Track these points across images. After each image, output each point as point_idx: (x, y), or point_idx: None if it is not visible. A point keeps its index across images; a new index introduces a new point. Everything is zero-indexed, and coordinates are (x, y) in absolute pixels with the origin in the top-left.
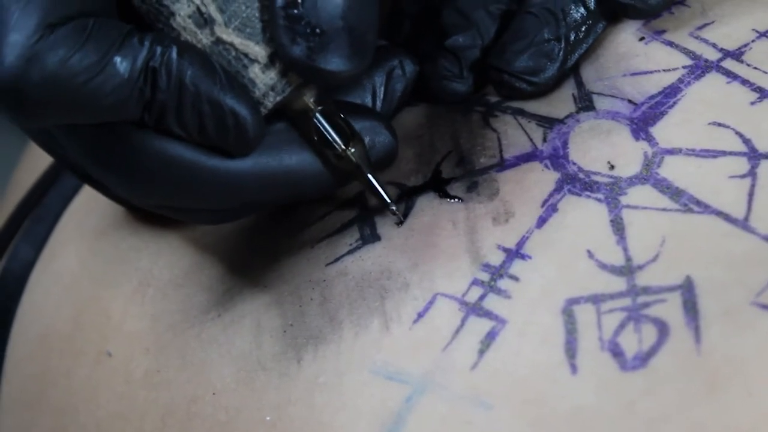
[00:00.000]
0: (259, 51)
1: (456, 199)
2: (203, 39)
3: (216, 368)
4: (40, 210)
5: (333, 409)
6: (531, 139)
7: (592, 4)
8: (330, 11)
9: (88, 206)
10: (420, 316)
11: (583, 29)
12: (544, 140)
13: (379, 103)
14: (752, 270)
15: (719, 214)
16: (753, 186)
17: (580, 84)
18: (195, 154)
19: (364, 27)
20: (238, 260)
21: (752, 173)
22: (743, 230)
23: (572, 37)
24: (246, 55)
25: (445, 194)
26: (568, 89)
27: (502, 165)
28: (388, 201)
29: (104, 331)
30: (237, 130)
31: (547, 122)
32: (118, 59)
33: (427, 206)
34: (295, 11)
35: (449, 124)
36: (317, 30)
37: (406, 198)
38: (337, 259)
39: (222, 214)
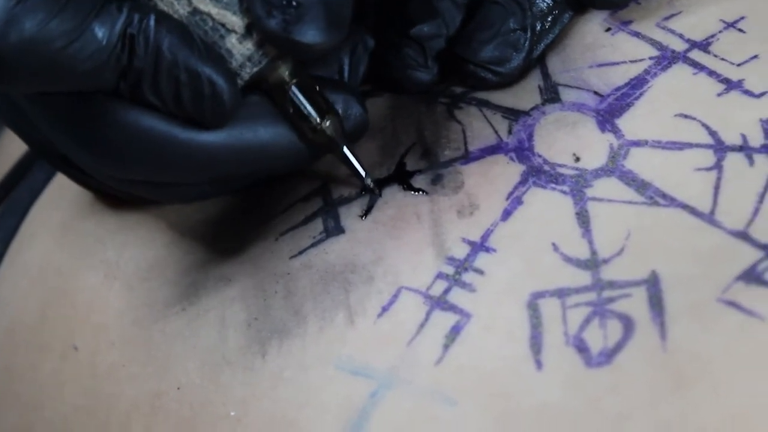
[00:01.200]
0: (236, 21)
1: (420, 192)
2: (180, 9)
3: (181, 363)
4: (9, 204)
5: (298, 405)
6: (496, 132)
7: None
8: None
9: (55, 199)
10: (384, 309)
11: (549, 19)
12: (510, 132)
13: (345, 78)
14: (718, 265)
15: (685, 207)
16: (719, 179)
17: (546, 75)
18: (169, 125)
19: (340, 1)
20: (202, 253)
21: (718, 166)
22: (709, 224)
23: (538, 27)
24: (223, 25)
25: (409, 187)
26: (534, 80)
27: (467, 157)
28: (364, 174)
29: (71, 325)
30: (213, 99)
31: (513, 114)
32: (96, 25)
33: (391, 199)
34: None
35: (413, 115)
36: (293, 2)
37: (370, 190)
38: (300, 252)
39: (196, 190)
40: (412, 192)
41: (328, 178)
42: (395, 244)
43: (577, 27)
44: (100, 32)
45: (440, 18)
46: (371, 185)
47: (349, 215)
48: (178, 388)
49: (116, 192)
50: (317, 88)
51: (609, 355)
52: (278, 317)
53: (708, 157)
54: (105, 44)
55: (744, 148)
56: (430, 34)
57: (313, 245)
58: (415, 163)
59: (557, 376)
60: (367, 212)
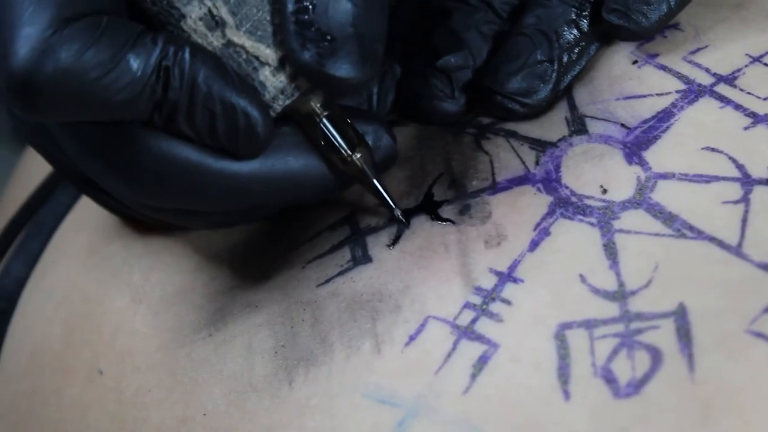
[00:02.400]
0: (269, 54)
1: (448, 222)
2: (214, 41)
3: (207, 389)
4: (33, 227)
5: None
6: (524, 162)
7: (585, 25)
8: (340, 18)
9: (80, 223)
10: (412, 338)
11: (576, 51)
12: (537, 163)
13: (374, 108)
14: (746, 297)
15: (712, 239)
16: (746, 212)
17: (573, 107)
18: (202, 156)
19: (373, 35)
20: (229, 279)
21: (745, 199)
22: (736, 257)
23: (565, 59)
24: (257, 57)
25: (437, 217)
26: (561, 112)
27: (495, 188)
28: (394, 206)
29: (95, 349)
30: (247, 131)
31: (540, 145)
32: (131, 57)
33: (419, 229)
34: (306, 17)
35: (441, 145)
36: (327, 36)
37: (399, 221)
38: (328, 280)
39: (225, 217)
40: (440, 222)
41: (356, 207)
42: (423, 274)
43: (603, 59)
44: (135, 64)
45: (467, 49)
46: (400, 216)
47: (376, 244)
48: (204, 415)
49: (143, 218)
50: (347, 119)
51: (637, 386)
52: (305, 345)
53: (735, 191)
54: (140, 76)
55: None
56: (457, 65)
57: (340, 273)
58: (443, 193)
59: (585, 407)
60: (394, 242)
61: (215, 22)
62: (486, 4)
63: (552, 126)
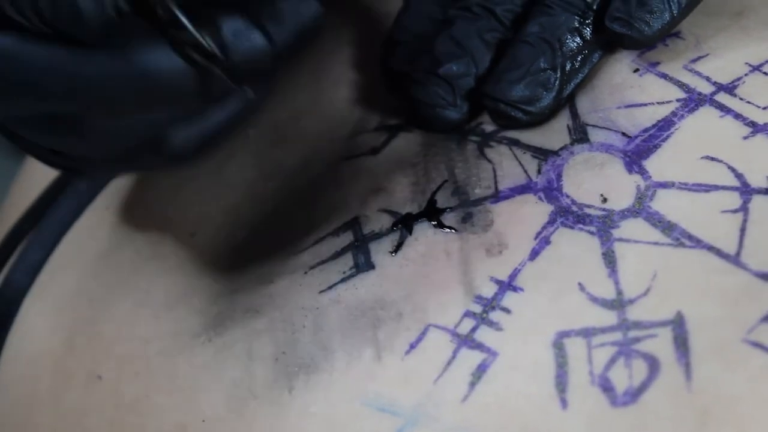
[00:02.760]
0: None
1: (450, 230)
2: None
3: (206, 395)
4: (34, 237)
5: None
6: (526, 171)
7: (588, 33)
8: None
9: (90, 229)
10: (412, 346)
11: (579, 59)
12: (539, 172)
13: None
14: (744, 307)
15: (711, 249)
16: (745, 221)
17: (575, 115)
18: (44, 49)
19: None
20: (230, 283)
21: (744, 208)
22: (735, 266)
23: (568, 67)
24: None
25: (439, 224)
26: (563, 120)
27: (497, 196)
28: (211, 51)
29: (96, 354)
30: (72, 15)
31: (542, 154)
32: None
33: (422, 236)
34: None
35: (444, 153)
36: None
37: (401, 226)
38: (330, 287)
39: (101, 145)
40: (443, 229)
41: (360, 213)
42: (424, 282)
43: (605, 67)
44: None
45: (469, 57)
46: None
47: (379, 251)
48: (203, 421)
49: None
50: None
51: (634, 395)
52: (306, 352)
53: (734, 200)
54: None
55: None
56: (459, 72)
57: (342, 280)
58: (446, 200)
59: (582, 415)
60: (397, 248)
61: None
62: (489, 12)
63: (554, 134)
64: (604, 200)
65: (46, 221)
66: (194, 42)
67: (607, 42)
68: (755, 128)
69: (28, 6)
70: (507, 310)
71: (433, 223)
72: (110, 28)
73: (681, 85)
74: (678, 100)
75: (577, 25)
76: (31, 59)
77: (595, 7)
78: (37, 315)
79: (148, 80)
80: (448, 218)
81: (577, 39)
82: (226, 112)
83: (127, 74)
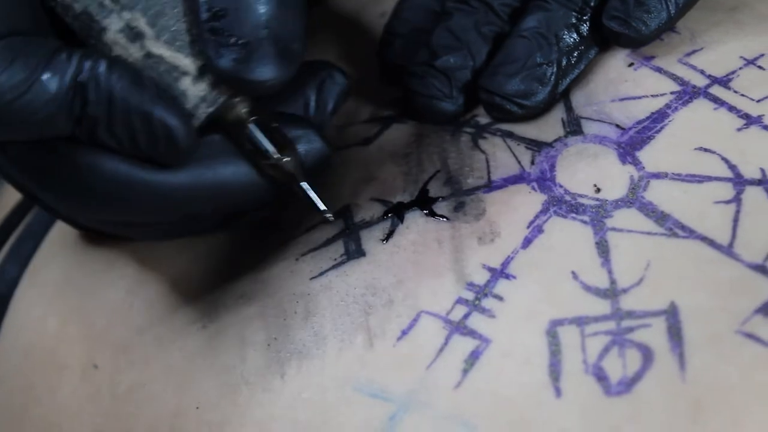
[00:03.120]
0: (188, 63)
1: (442, 218)
2: (134, 53)
3: (200, 382)
4: (26, 228)
5: (316, 426)
6: (519, 162)
7: (585, 30)
8: (253, 22)
9: None
10: (404, 333)
11: (575, 54)
12: (532, 163)
13: (311, 113)
14: (737, 297)
15: (704, 239)
16: (738, 212)
17: (569, 108)
18: (129, 167)
19: (289, 36)
20: (223, 271)
21: (737, 199)
22: (728, 257)
23: (564, 62)
24: (176, 67)
25: (431, 213)
26: (558, 113)
27: (490, 186)
28: (322, 208)
29: (89, 343)
30: (167, 140)
31: (536, 145)
32: (46, 76)
33: (413, 224)
34: (219, 24)
35: (438, 143)
36: (241, 41)
37: (393, 215)
38: (321, 273)
39: (164, 228)
40: (434, 218)
41: (350, 201)
42: (416, 269)
43: (600, 62)
44: (50, 83)
45: (466, 49)
46: (331, 218)
47: (370, 239)
48: (197, 408)
49: (90, 230)
50: (277, 124)
51: (628, 384)
52: (297, 338)
53: (727, 191)
54: (55, 94)
55: (763, 182)
56: (456, 65)
57: (333, 267)
58: (439, 189)
59: (576, 404)
60: (388, 236)
61: (134, 34)
62: (486, 6)
63: (548, 127)
64: (598, 190)
65: (35, 214)
66: (276, 164)
67: (604, 39)
68: (749, 120)
69: (123, 132)
70: (500, 298)
71: (425, 211)
72: (195, 148)
73: (675, 78)
74: (672, 93)
75: (575, 22)
76: (122, 176)
77: (592, 4)
78: (28, 305)
79: (228, 194)
80: (441, 207)
81: (574, 35)
82: None
83: (210, 189)
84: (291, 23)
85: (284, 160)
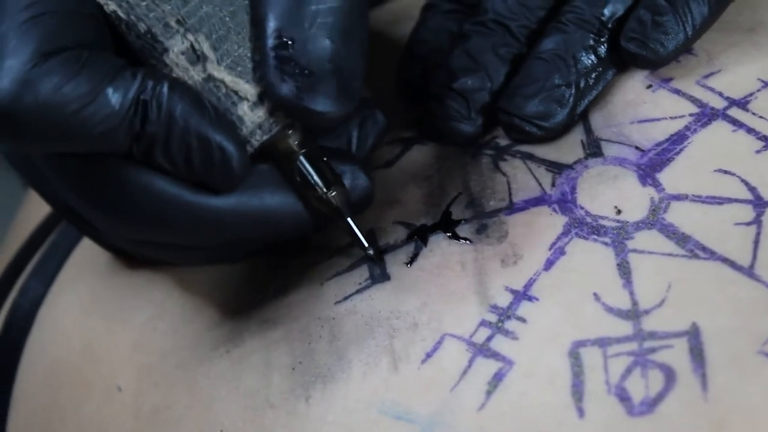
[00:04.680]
0: (248, 89)
1: (465, 241)
2: (195, 75)
3: (224, 405)
4: (50, 247)
5: None
6: (540, 184)
7: (603, 51)
8: (319, 54)
9: None
10: (428, 356)
11: (593, 76)
12: (553, 185)
13: (353, 150)
14: (758, 318)
15: (725, 260)
16: (758, 234)
17: (588, 130)
18: (179, 188)
19: (351, 72)
20: (248, 296)
21: (757, 221)
22: (749, 278)
23: (582, 84)
24: (236, 92)
25: (454, 235)
26: (577, 135)
27: (512, 208)
28: (366, 245)
29: (114, 365)
30: (222, 165)
31: (556, 167)
32: (110, 90)
33: (437, 247)
34: (285, 52)
35: (459, 166)
36: (306, 71)
37: (417, 238)
38: (346, 298)
39: (205, 252)
40: (457, 241)
41: (375, 225)
42: (440, 292)
43: (618, 84)
44: (113, 97)
45: (483, 71)
46: (373, 256)
47: (394, 262)
48: (221, 431)
49: (129, 252)
50: (325, 158)
51: (651, 405)
52: (322, 361)
53: (747, 212)
54: (117, 109)
55: None
56: (474, 87)
57: (358, 291)
58: (461, 212)
59: (599, 425)
60: (412, 260)
61: (197, 57)
62: (504, 28)
63: (568, 149)
64: (618, 212)
65: (60, 232)
66: (323, 198)
67: (622, 60)
68: (767, 142)
69: (179, 153)
70: (522, 320)
71: (448, 234)
72: (247, 175)
73: (694, 100)
74: (691, 115)
75: (592, 43)
76: (171, 197)
77: (609, 26)
78: (53, 324)
79: (272, 222)
80: (463, 230)
81: (592, 56)
82: None
83: (255, 216)
84: (354, 61)
85: (332, 194)
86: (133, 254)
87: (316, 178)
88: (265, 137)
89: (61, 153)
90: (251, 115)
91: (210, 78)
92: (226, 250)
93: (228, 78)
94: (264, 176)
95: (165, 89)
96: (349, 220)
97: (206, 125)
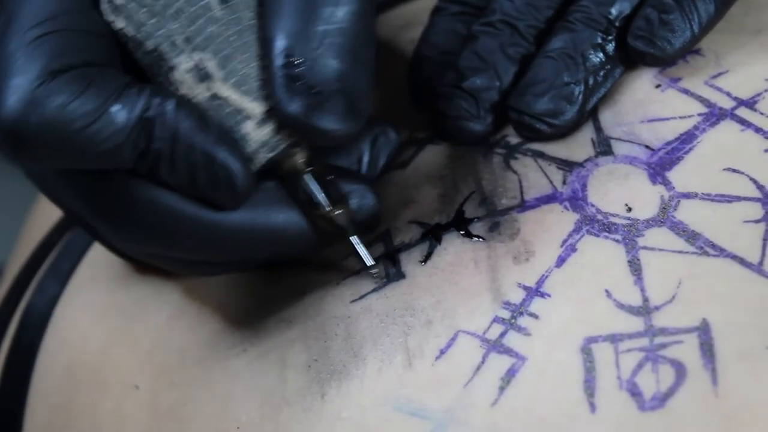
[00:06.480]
0: (254, 108)
1: (478, 239)
2: (200, 93)
3: (240, 402)
4: (65, 246)
5: None
6: (551, 182)
7: (611, 49)
8: (327, 74)
9: None
10: (442, 352)
11: (601, 74)
12: (564, 183)
13: (364, 169)
14: (767, 314)
15: (734, 257)
16: (767, 231)
17: (598, 129)
18: (185, 204)
19: (358, 92)
20: (264, 295)
21: (766, 219)
22: (758, 275)
23: (591, 81)
24: (241, 111)
25: (467, 233)
26: (587, 134)
27: (523, 206)
28: (370, 263)
29: (132, 364)
30: (227, 182)
31: (567, 165)
32: (115, 108)
33: (450, 245)
34: (294, 71)
35: (471, 165)
36: (314, 89)
37: (431, 236)
38: (362, 296)
39: (212, 267)
40: (470, 239)
41: (390, 225)
42: (453, 289)
43: (627, 83)
44: (119, 115)
45: (492, 70)
46: (376, 274)
47: (409, 261)
48: (238, 428)
49: (139, 261)
50: (331, 177)
51: (662, 400)
52: (338, 359)
53: (756, 210)
54: (123, 126)
55: None
56: (483, 86)
57: (374, 290)
58: (474, 210)
59: (611, 420)
60: (427, 258)
61: (203, 75)
62: (512, 28)
63: (578, 147)
64: (629, 210)
65: (76, 231)
66: (327, 216)
67: (629, 58)
68: None
69: (183, 170)
70: (535, 316)
71: (462, 232)
72: (252, 193)
73: (702, 100)
74: (699, 115)
75: (600, 41)
76: (176, 213)
77: (617, 24)
78: (70, 324)
79: (277, 240)
80: (476, 228)
81: (600, 54)
82: None
83: (260, 233)
84: (362, 81)
85: (336, 213)
86: (146, 263)
87: (319, 196)
88: (270, 155)
89: (69, 169)
90: (256, 134)
91: (215, 96)
92: (233, 265)
93: (234, 96)
94: (270, 194)
95: (170, 107)
96: (352, 238)
97: (211, 143)
